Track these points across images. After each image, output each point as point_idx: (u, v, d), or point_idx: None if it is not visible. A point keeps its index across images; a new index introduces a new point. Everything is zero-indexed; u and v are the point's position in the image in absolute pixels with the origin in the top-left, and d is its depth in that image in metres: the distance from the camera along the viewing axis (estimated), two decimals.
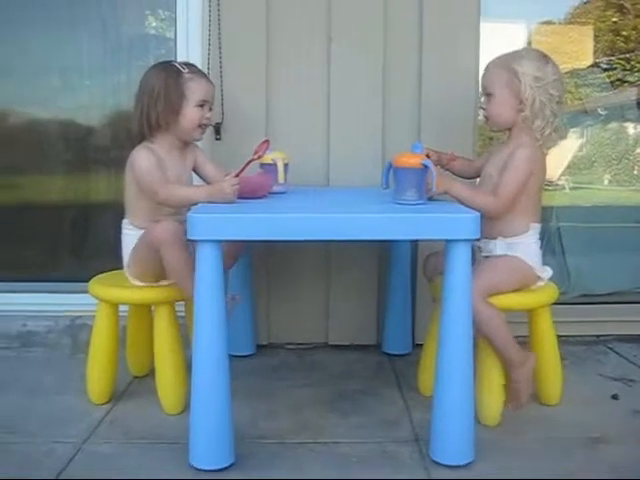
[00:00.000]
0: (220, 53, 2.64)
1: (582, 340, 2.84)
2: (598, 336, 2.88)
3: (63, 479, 1.75)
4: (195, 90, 2.19)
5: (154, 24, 3.02)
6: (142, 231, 2.16)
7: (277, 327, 2.78)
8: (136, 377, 2.42)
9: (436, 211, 1.85)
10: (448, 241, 1.78)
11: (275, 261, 2.72)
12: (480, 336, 2.02)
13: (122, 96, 2.92)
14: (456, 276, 1.78)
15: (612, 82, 3.33)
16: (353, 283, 2.75)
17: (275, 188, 2.23)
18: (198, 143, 2.34)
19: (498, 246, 2.14)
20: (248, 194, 2.03)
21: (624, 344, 2.83)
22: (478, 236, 1.78)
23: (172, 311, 2.18)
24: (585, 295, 3.05)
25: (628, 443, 1.98)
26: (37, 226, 3.03)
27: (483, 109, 2.21)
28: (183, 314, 2.35)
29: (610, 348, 2.81)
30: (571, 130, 3.29)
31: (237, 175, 1.98)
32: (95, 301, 2.21)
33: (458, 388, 1.80)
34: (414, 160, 1.94)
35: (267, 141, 2.17)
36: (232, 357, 1.84)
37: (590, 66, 3.32)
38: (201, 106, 2.21)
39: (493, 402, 2.04)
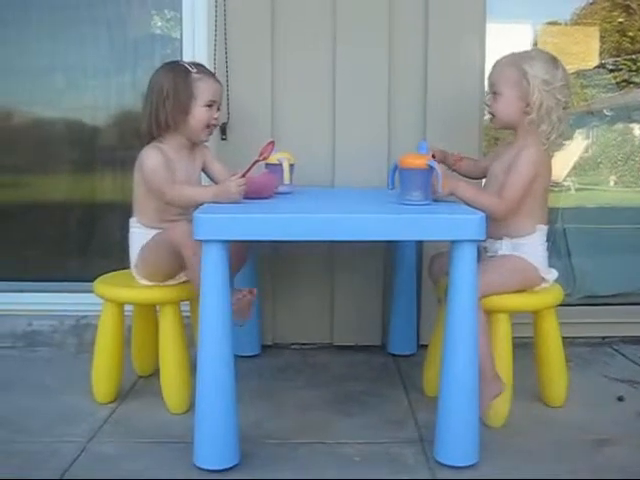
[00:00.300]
0: (226, 53, 2.64)
1: (587, 342, 2.84)
2: (603, 338, 2.88)
3: (68, 479, 1.75)
4: (204, 90, 2.19)
5: (160, 24, 3.02)
6: (150, 230, 2.17)
7: (282, 327, 2.78)
8: (141, 377, 2.42)
9: (442, 212, 1.85)
10: (453, 242, 1.77)
11: (280, 261, 2.72)
12: None
13: (128, 96, 2.93)
14: (461, 277, 1.78)
15: (618, 83, 3.33)
16: (358, 284, 2.75)
17: (280, 188, 2.24)
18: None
19: (504, 246, 2.14)
20: (254, 194, 2.03)
21: (630, 346, 2.83)
22: (484, 237, 1.78)
23: (177, 311, 2.18)
24: (590, 296, 3.04)
25: (633, 445, 1.97)
26: (42, 226, 3.04)
27: (488, 106, 2.20)
28: (188, 314, 2.36)
29: (615, 350, 2.80)
30: (577, 131, 3.28)
31: (243, 175, 1.99)
32: (100, 301, 2.21)
33: (463, 389, 1.80)
34: (419, 161, 1.94)
35: (272, 142, 2.17)
36: (237, 357, 1.84)
37: (596, 67, 3.31)
38: (209, 106, 2.21)
39: (498, 403, 2.03)
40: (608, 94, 3.35)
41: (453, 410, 1.81)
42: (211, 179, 2.34)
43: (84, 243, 3.06)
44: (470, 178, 2.34)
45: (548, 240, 2.20)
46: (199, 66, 2.25)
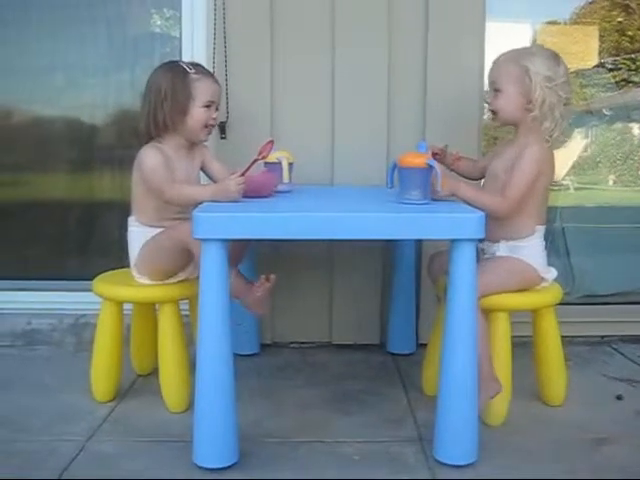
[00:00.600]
0: (225, 52, 2.64)
1: (586, 341, 2.84)
2: (602, 337, 2.88)
3: (66, 478, 1.75)
4: (202, 91, 2.18)
5: (159, 23, 3.02)
6: (149, 229, 2.17)
7: (281, 326, 2.78)
8: (140, 375, 2.42)
9: (441, 211, 1.85)
10: (453, 241, 1.78)
11: (279, 260, 2.72)
12: None
13: (128, 95, 2.93)
14: (461, 276, 1.78)
15: (617, 82, 3.33)
16: (357, 282, 2.75)
17: (280, 187, 2.23)
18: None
19: (501, 249, 2.13)
20: (253, 193, 2.02)
21: (629, 345, 2.83)
22: (483, 236, 1.78)
23: (176, 310, 2.18)
24: (589, 295, 3.04)
25: (632, 444, 1.97)
26: (42, 224, 3.04)
27: (488, 103, 2.18)
28: (187, 313, 2.36)
29: (614, 349, 2.80)
30: (576, 130, 3.28)
31: (242, 174, 1.98)
32: (99, 299, 2.21)
33: (462, 388, 1.80)
34: (419, 160, 1.93)
35: (271, 141, 2.17)
36: (236, 356, 1.84)
37: (595, 66, 3.31)
38: (208, 107, 2.20)
39: (497, 402, 2.03)
40: (607, 93, 3.35)
41: (452, 409, 1.81)
42: (210, 178, 2.34)
43: (83, 242, 3.06)
44: (468, 178, 2.33)
45: (547, 239, 2.20)
46: (197, 66, 2.25)
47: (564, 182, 3.25)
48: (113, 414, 2.14)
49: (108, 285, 2.20)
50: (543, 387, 2.23)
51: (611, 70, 3.32)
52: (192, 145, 2.28)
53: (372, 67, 2.67)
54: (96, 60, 2.96)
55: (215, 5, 2.63)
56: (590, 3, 3.34)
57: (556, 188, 3.18)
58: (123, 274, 2.26)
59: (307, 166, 2.53)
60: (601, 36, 3.31)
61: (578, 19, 3.34)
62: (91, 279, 2.25)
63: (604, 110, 3.35)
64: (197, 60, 2.43)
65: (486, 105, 2.24)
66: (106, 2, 2.94)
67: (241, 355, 2.52)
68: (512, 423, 2.07)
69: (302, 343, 2.79)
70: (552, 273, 2.17)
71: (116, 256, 2.46)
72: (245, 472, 1.79)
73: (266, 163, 2.26)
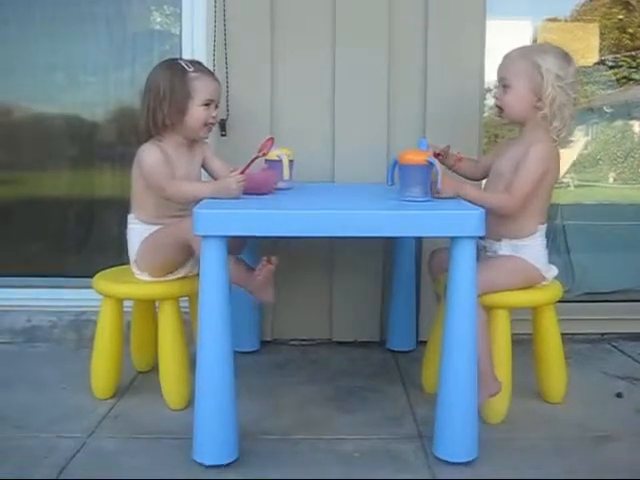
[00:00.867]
0: (225, 50, 2.63)
1: (586, 338, 2.84)
2: (602, 334, 2.88)
3: (66, 477, 1.75)
4: (201, 89, 2.18)
5: (159, 20, 3.02)
6: (149, 225, 2.17)
7: (281, 323, 2.78)
8: (140, 372, 2.42)
9: (441, 208, 1.84)
10: (453, 238, 1.77)
11: (279, 257, 2.71)
12: None
13: (127, 92, 2.93)
14: (461, 273, 1.78)
15: (618, 80, 3.32)
16: (357, 280, 2.75)
17: (280, 184, 2.23)
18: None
19: (503, 247, 2.13)
20: (253, 190, 2.02)
21: (629, 342, 2.83)
22: (483, 233, 1.77)
23: (176, 307, 2.18)
24: (590, 293, 3.04)
25: (632, 441, 1.97)
26: (42, 221, 3.03)
27: (496, 99, 2.16)
28: (187, 310, 2.36)
29: (614, 346, 2.80)
30: (577, 128, 3.28)
31: (242, 172, 1.98)
32: (99, 296, 2.21)
33: (462, 385, 1.80)
34: (419, 157, 1.93)
35: (271, 139, 2.17)
36: (236, 353, 1.83)
37: (596, 64, 3.31)
38: (207, 105, 2.20)
39: (497, 400, 2.03)
40: (608, 91, 3.35)
41: (452, 406, 1.81)
42: (211, 175, 2.34)
43: (83, 239, 3.06)
44: (470, 179, 2.32)
45: (547, 237, 2.19)
46: (196, 64, 2.24)
47: (565, 180, 3.25)
48: (113, 411, 2.14)
49: (108, 282, 2.20)
50: (543, 385, 2.23)
51: (612, 68, 3.31)
52: (193, 142, 2.27)
53: (373, 64, 2.66)
54: (96, 58, 2.96)
55: (215, 2, 2.63)
56: (591, 0, 3.34)
57: (557, 185, 3.17)
58: (123, 271, 2.26)
59: (307, 163, 2.53)
60: (602, 33, 3.30)
61: (579, 16, 3.33)
62: (91, 276, 2.25)
63: (605, 108, 3.34)
64: (197, 58, 2.43)
65: (494, 101, 2.20)
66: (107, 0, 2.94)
67: (241, 352, 2.52)
68: (512, 421, 2.07)
69: (302, 340, 2.79)
70: (553, 271, 2.16)
71: (116, 253, 2.46)
72: (245, 469, 1.79)
73: (266, 160, 2.26)
